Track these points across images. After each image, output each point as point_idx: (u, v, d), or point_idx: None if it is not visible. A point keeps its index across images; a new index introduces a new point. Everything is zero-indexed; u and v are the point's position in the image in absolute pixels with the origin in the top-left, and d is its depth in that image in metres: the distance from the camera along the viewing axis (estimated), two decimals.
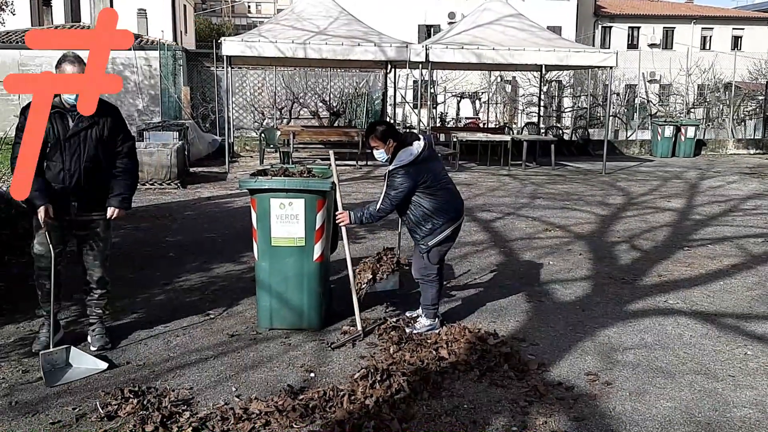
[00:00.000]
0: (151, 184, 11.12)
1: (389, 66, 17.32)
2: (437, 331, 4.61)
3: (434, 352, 4.23)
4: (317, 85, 20.57)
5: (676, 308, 5.45)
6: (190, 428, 3.30)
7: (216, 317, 5.00)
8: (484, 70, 22.12)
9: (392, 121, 18.72)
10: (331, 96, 20.57)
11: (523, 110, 27.17)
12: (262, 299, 4.71)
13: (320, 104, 20.38)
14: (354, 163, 14.75)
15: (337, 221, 4.68)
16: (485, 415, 3.53)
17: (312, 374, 4.02)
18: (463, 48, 13.87)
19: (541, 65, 17.52)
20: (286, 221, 4.55)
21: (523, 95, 27.87)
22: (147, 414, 3.40)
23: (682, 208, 10.49)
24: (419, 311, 4.85)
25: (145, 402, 3.53)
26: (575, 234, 8.31)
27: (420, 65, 14.07)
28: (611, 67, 14.67)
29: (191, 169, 13.13)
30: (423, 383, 3.80)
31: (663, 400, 3.78)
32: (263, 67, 20.21)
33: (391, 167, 4.53)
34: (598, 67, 16.87)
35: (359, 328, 4.62)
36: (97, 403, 3.54)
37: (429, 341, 4.44)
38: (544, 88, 27.85)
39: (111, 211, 4.30)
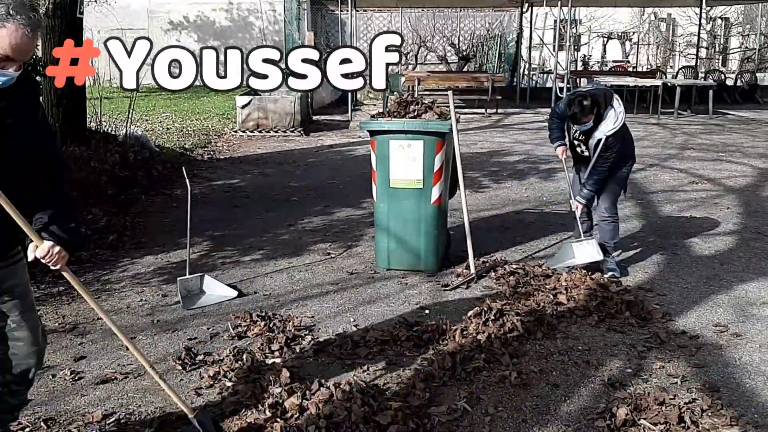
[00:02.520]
0: (275, 131, 11.91)
1: (524, 4, 17.15)
2: (558, 277, 4.87)
3: (552, 297, 4.52)
4: (446, 28, 20.68)
5: None
6: (312, 350, 3.83)
7: (336, 256, 5.54)
8: (635, 6, 21.24)
9: (527, 65, 18.55)
10: (461, 39, 20.63)
11: (681, 52, 25.90)
12: (381, 240, 5.17)
13: (449, 48, 20.50)
14: (483, 110, 14.90)
15: (573, 209, 5.17)
16: (599, 357, 3.80)
17: (427, 311, 4.45)
18: None
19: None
20: (405, 163, 4.95)
21: (682, 35, 26.52)
22: (273, 335, 3.96)
23: None
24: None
25: (271, 325, 4.10)
26: (726, 187, 8.15)
27: (560, 2, 13.89)
28: None
29: (314, 117, 13.85)
30: (537, 324, 4.11)
31: None
32: (389, 10, 20.57)
33: (607, 132, 4.79)
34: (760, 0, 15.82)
35: (473, 270, 4.98)
36: (229, 324, 4.16)
37: (548, 287, 4.72)
38: (707, 27, 26.40)
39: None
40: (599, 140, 4.82)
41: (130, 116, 9.19)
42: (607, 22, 22.61)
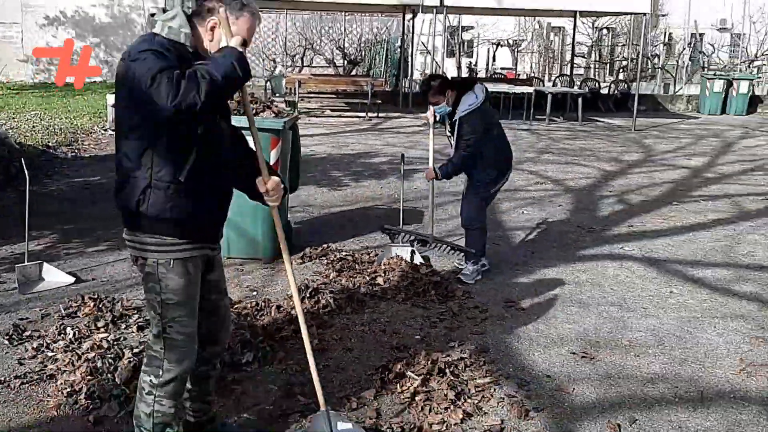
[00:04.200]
0: None
1: (407, 11, 18.05)
2: (380, 262, 5.55)
3: (368, 278, 5.20)
4: (334, 31, 21.41)
5: (629, 254, 6.29)
6: (136, 326, 4.34)
7: None
8: (508, 15, 22.59)
9: (410, 70, 19.48)
10: (349, 43, 21.41)
11: (566, 61, 27.58)
12: None
13: (336, 52, 21.22)
14: (363, 114, 15.64)
15: (426, 178, 5.58)
16: (396, 327, 4.49)
17: (254, 293, 5.03)
18: None
19: (575, 11, 18.08)
20: None
21: (570, 44, 28.23)
22: (101, 314, 4.45)
23: (700, 166, 11.17)
24: (461, 260, 5.60)
25: (100, 306, 4.58)
26: (566, 187, 9.13)
27: (434, 10, 14.82)
28: (645, 14, 15.18)
29: None
30: (348, 300, 4.77)
31: (567, 323, 4.68)
32: (276, 11, 21.09)
33: (460, 114, 5.20)
34: (630, 13, 17.32)
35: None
36: (61, 306, 4.61)
37: (369, 271, 5.40)
38: (594, 37, 28.22)
39: None
40: (455, 122, 5.27)
41: None
42: (491, 29, 23.91)
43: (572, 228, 7.13)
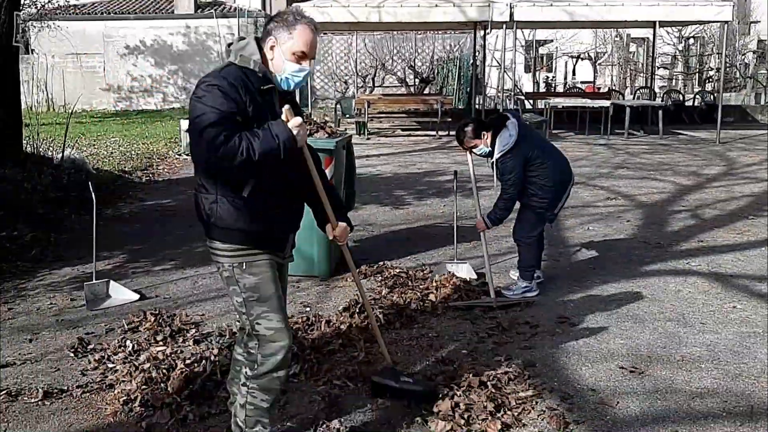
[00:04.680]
0: None
1: (479, 27, 18.22)
2: (432, 278, 5.70)
3: (420, 295, 5.36)
4: (405, 50, 21.76)
5: (695, 269, 6.23)
6: (192, 340, 4.63)
7: None
8: (581, 28, 22.40)
9: (484, 87, 19.61)
10: (420, 61, 21.71)
11: (653, 73, 27.09)
12: None
13: (408, 71, 21.55)
14: (434, 133, 15.84)
15: (477, 229, 5.58)
16: (443, 342, 4.63)
17: (308, 308, 5.27)
18: (551, 5, 14.59)
19: (654, 21, 17.84)
20: None
21: (658, 55, 27.75)
22: (160, 328, 4.76)
23: None
24: (516, 274, 5.73)
25: (160, 321, 4.90)
26: (637, 203, 9.06)
27: (504, 25, 14.94)
28: (727, 22, 14.87)
29: None
30: (397, 316, 4.94)
31: (619, 338, 4.71)
32: (349, 33, 21.62)
33: (496, 155, 5.33)
34: (713, 21, 16.96)
35: (492, 296, 5.40)
36: (124, 321, 4.95)
37: (421, 287, 5.56)
38: (679, 46, 27.69)
39: None
40: (492, 164, 5.45)
41: (66, 140, 10.00)
42: (569, 43, 23.78)
43: (638, 244, 7.09)
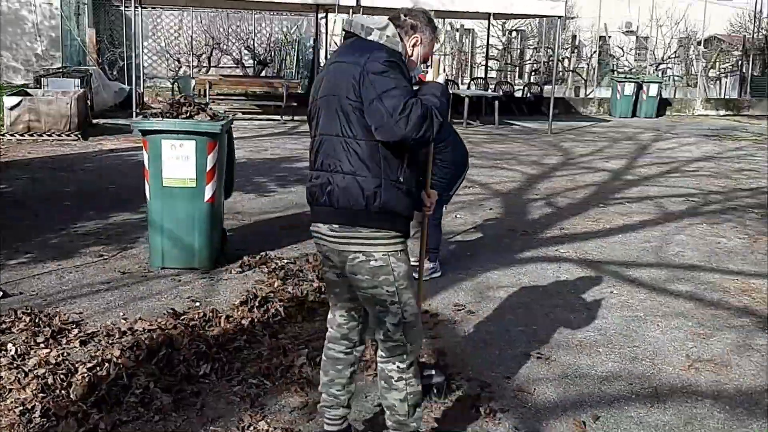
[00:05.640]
0: (49, 135, 11.84)
1: (321, 10, 18.16)
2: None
3: (315, 286, 5.29)
4: (242, 30, 21.27)
5: (565, 256, 6.61)
6: (78, 341, 4.28)
7: (109, 258, 5.96)
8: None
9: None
10: (258, 43, 21.32)
11: (477, 64, 28.32)
12: (154, 239, 5.68)
13: (245, 51, 21.09)
14: (278, 118, 15.63)
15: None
16: None
17: (197, 303, 5.04)
18: None
19: (488, 13, 18.64)
20: (178, 162, 5.51)
21: (480, 47, 28.98)
22: (39, 329, 4.36)
23: (618, 168, 11.77)
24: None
25: (36, 321, 4.49)
26: (494, 191, 9.47)
27: (351, 10, 14.97)
28: (559, 17, 15.84)
29: (95, 120, 13.84)
30: (299, 309, 4.85)
31: (516, 326, 4.91)
32: (180, 8, 20.79)
33: None
34: (545, 16, 18.03)
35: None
36: None
37: (312, 278, 5.49)
38: (503, 39, 29.07)
39: None
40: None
41: None
42: None
43: (505, 231, 7.42)
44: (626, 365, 4.33)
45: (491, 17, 19.65)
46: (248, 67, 21.02)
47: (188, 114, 5.65)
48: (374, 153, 2.84)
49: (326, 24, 18.53)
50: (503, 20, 25.71)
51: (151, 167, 5.55)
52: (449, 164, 5.61)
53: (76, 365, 3.83)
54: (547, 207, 8.66)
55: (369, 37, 2.93)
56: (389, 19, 3.01)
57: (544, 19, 23.33)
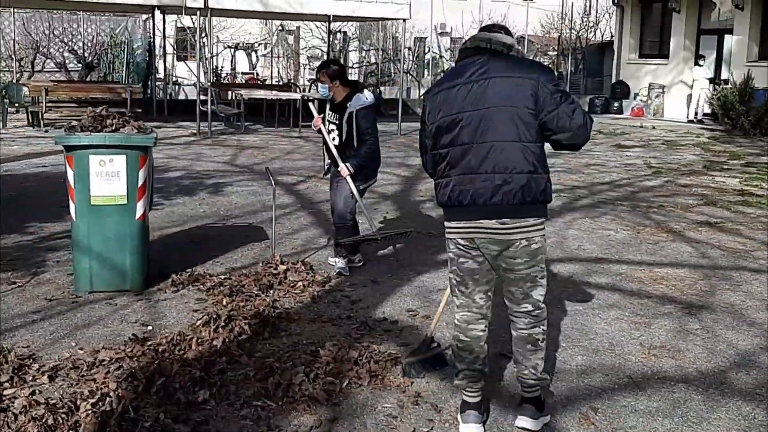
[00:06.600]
0: None
1: (156, 11, 17.56)
2: (272, 283, 5.61)
3: (269, 301, 5.25)
4: (65, 33, 20.05)
5: None
6: (45, 376, 4.00)
7: (24, 285, 5.54)
8: (267, 19, 22.99)
9: (154, 76, 18.99)
10: (84, 45, 20.19)
11: (307, 64, 28.56)
12: (81, 262, 5.36)
13: (68, 55, 19.92)
14: None
15: (342, 175, 5.87)
16: (322, 346, 4.62)
17: (150, 327, 4.84)
18: None
19: (329, 15, 18.89)
20: (107, 179, 5.25)
21: (305, 48, 29.23)
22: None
23: None
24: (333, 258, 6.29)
25: None
26: (379, 194, 9.69)
27: (198, 12, 14.64)
28: (404, 20, 16.40)
29: None
30: (263, 325, 4.80)
31: None
32: None
33: (356, 107, 5.84)
34: (391, 18, 18.58)
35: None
36: None
37: (257, 292, 5.44)
38: (328, 40, 29.45)
39: None
40: (350, 114, 5.85)
41: None
42: (237, 33, 24.00)
43: (415, 234, 7.64)
44: (594, 358, 4.67)
45: (330, 19, 19.90)
46: (73, 71, 19.85)
47: (114, 127, 5.39)
48: (543, 153, 3.45)
49: (153, 25, 17.90)
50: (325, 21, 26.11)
51: (78, 185, 5.24)
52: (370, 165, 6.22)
53: (77, 402, 3.58)
54: (438, 208, 9.00)
55: (511, 53, 3.49)
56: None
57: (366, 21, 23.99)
